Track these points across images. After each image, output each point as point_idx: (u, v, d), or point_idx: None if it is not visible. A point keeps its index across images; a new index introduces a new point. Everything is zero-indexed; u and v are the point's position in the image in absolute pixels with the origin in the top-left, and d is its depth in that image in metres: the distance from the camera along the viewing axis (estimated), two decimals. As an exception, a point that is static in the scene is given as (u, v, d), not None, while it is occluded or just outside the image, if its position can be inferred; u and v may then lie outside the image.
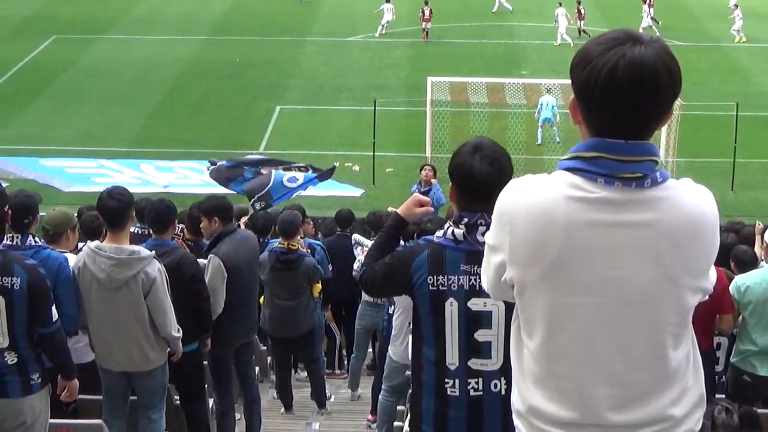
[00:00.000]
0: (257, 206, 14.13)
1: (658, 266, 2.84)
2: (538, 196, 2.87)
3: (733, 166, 25.99)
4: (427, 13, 40.74)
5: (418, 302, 4.62)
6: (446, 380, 4.61)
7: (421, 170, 18.69)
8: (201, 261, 8.90)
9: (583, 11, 40.99)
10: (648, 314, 2.87)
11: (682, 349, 2.95)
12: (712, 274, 3.00)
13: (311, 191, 15.89)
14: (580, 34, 40.07)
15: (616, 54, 2.76)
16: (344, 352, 13.83)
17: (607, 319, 2.87)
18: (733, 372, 8.98)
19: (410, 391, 5.09)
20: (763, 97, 32.94)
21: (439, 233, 4.62)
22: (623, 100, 2.76)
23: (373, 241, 5.12)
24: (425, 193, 17.22)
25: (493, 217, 3.00)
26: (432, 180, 18.04)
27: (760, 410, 8.26)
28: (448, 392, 4.62)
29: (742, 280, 8.81)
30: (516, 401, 3.06)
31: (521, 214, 2.88)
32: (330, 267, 12.18)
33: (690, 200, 2.88)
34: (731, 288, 8.80)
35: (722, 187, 24.58)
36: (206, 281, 8.64)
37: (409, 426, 4.98)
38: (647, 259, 2.83)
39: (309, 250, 11.57)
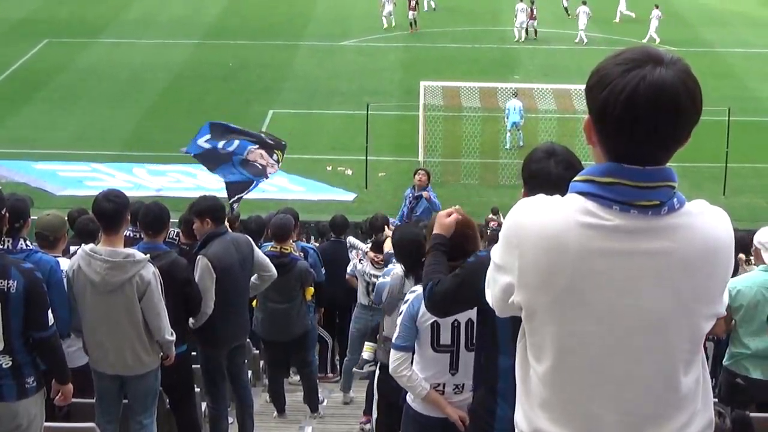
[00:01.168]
0: (235, 206, 14.10)
1: (672, 295, 2.78)
2: (550, 220, 2.79)
3: (725, 170, 26.05)
4: (413, 2, 41.30)
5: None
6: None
7: (414, 174, 18.69)
8: None
9: (535, 11, 41.90)
10: (660, 342, 2.81)
11: (693, 374, 2.89)
12: (726, 297, 2.94)
13: (303, 195, 15.93)
14: (531, 33, 41.75)
15: (636, 77, 2.67)
16: (337, 356, 13.82)
17: (617, 347, 2.81)
18: (726, 375, 8.98)
19: (471, 399, 5.15)
20: (755, 101, 33.03)
21: None
22: (643, 124, 2.68)
23: (426, 267, 5.08)
24: (418, 198, 17.23)
25: (501, 234, 2.93)
26: (426, 185, 18.00)
27: (753, 414, 8.28)
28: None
29: (732, 284, 8.82)
30: (520, 422, 3.00)
31: (532, 238, 2.80)
32: (323, 270, 12.18)
33: (706, 227, 2.82)
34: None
35: (714, 192, 24.66)
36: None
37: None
38: (661, 288, 2.77)
39: (302, 254, 11.58)
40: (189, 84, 35.60)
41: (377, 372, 8.72)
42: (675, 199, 2.78)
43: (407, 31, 42.51)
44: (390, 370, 6.36)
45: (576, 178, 2.83)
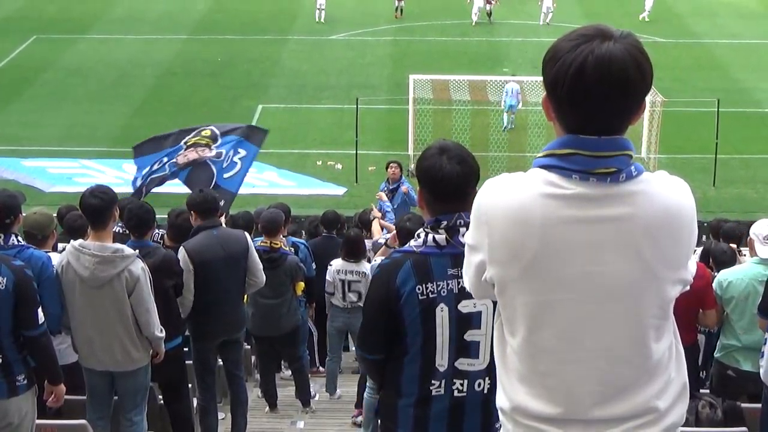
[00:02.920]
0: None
1: (636, 260, 2.84)
2: (515, 194, 2.87)
3: (715, 162, 26.08)
4: None
5: (404, 314, 4.49)
6: (433, 381, 4.58)
7: (387, 168, 18.69)
8: None
9: None
10: (629, 308, 2.87)
11: (664, 341, 2.96)
12: (692, 265, 3.00)
13: (293, 190, 15.75)
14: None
15: (585, 51, 2.76)
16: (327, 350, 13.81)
17: (587, 315, 2.87)
18: (717, 367, 9.01)
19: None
20: (744, 93, 33.08)
21: (415, 242, 4.54)
22: (592, 97, 2.76)
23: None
24: (394, 191, 17.22)
25: (471, 217, 3.01)
26: (399, 177, 17.98)
27: (743, 404, 8.31)
28: (433, 393, 4.58)
29: (724, 276, 8.84)
30: (501, 399, 3.06)
31: (499, 213, 2.88)
32: (314, 265, 12.17)
33: (665, 192, 2.88)
34: (714, 284, 8.83)
35: (704, 183, 24.69)
36: None
37: (381, 429, 4.93)
38: (625, 254, 2.83)
39: (293, 249, 11.56)
40: (177, 80, 35.52)
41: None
42: (632, 167, 2.85)
43: (395, 26, 42.50)
44: None
45: (538, 155, 2.91)
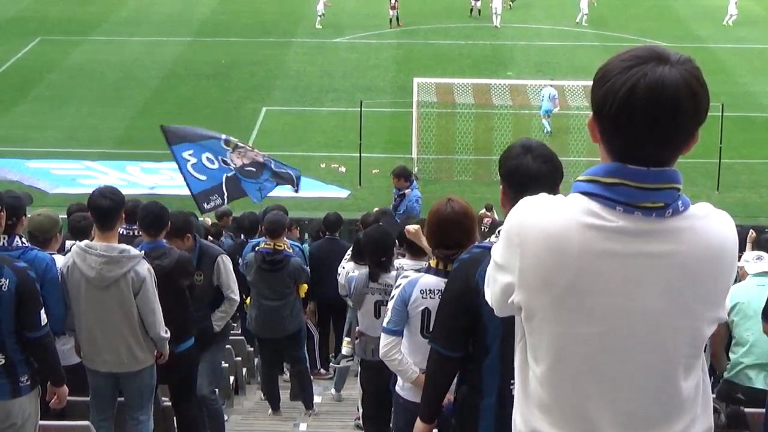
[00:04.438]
0: (206, 205, 13.87)
1: (674, 298, 2.73)
2: (552, 220, 2.74)
3: (719, 166, 26.06)
4: (393, 0, 41.55)
5: (483, 309, 4.41)
6: (512, 381, 4.59)
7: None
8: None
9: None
10: (660, 345, 2.77)
11: (693, 379, 2.86)
12: (728, 301, 2.94)
13: (296, 192, 15.68)
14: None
15: (637, 74, 2.62)
16: (332, 354, 13.82)
17: (617, 350, 2.77)
18: (726, 388, 8.87)
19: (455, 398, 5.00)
20: (748, 97, 33.08)
21: (495, 239, 4.47)
22: (640, 123, 2.63)
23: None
24: (401, 197, 17.07)
25: (501, 233, 2.90)
26: (404, 186, 17.71)
27: (747, 409, 8.27)
28: (512, 392, 4.62)
29: (732, 298, 8.85)
30: (519, 423, 2.98)
31: (533, 237, 2.76)
32: (308, 269, 12.06)
33: (710, 230, 2.77)
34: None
35: (707, 188, 24.70)
36: None
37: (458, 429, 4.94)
38: (663, 291, 2.73)
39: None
40: (181, 82, 35.56)
41: (358, 368, 8.78)
42: (680, 202, 2.74)
43: (399, 29, 42.52)
44: (380, 354, 6.35)
45: (579, 178, 2.79)
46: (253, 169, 13.84)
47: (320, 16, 42.48)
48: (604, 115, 2.68)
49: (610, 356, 2.78)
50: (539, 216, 2.77)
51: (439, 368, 4.95)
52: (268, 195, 14.10)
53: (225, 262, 9.18)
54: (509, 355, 4.46)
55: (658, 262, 2.71)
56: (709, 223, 2.79)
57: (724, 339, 8.95)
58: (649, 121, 2.62)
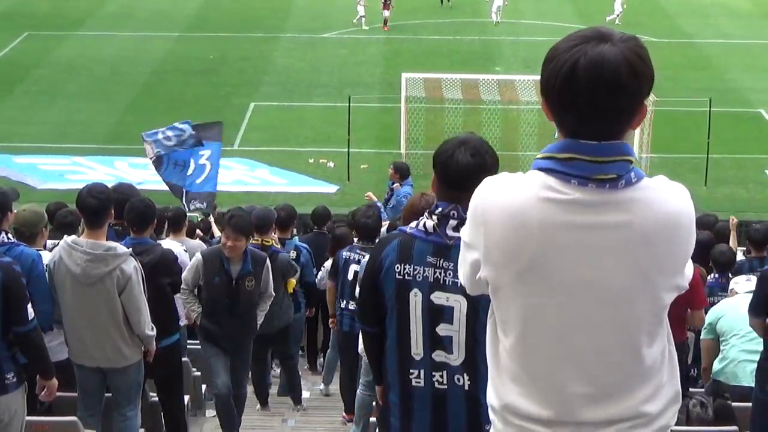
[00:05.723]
0: (191, 206, 13.97)
1: (632, 267, 2.83)
2: (513, 196, 2.86)
3: (707, 161, 26.12)
4: (387, 0, 41.49)
5: (384, 288, 4.65)
6: (411, 371, 4.64)
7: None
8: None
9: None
10: (623, 314, 2.87)
11: (657, 346, 2.95)
12: (688, 270, 2.99)
13: (285, 188, 15.72)
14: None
15: (579, 52, 2.74)
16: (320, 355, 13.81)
17: (581, 319, 2.87)
18: (713, 387, 8.90)
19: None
20: (736, 93, 33.12)
21: (414, 224, 4.66)
22: (583, 99, 2.74)
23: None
24: (393, 190, 17.16)
25: (468, 213, 3.00)
26: (397, 179, 17.75)
27: (734, 404, 8.31)
28: (413, 383, 4.66)
29: (715, 314, 8.90)
30: (492, 397, 3.06)
31: (495, 214, 2.87)
32: (315, 271, 12.05)
33: (664, 200, 2.86)
34: (709, 318, 8.88)
35: (695, 183, 24.71)
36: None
37: (377, 419, 5.08)
38: (622, 260, 2.82)
39: (295, 253, 11.55)
40: (169, 77, 35.46)
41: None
42: (632, 173, 2.83)
43: (381, 26, 42.39)
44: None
45: (537, 156, 2.90)
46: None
47: (362, 17, 41.91)
48: (550, 94, 2.81)
49: (574, 325, 2.88)
50: (500, 194, 2.89)
51: (366, 340, 5.15)
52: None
53: (268, 263, 9.51)
54: (405, 343, 4.63)
55: (614, 232, 2.81)
56: (662, 193, 2.87)
57: (714, 353, 8.99)
58: (591, 97, 2.73)
